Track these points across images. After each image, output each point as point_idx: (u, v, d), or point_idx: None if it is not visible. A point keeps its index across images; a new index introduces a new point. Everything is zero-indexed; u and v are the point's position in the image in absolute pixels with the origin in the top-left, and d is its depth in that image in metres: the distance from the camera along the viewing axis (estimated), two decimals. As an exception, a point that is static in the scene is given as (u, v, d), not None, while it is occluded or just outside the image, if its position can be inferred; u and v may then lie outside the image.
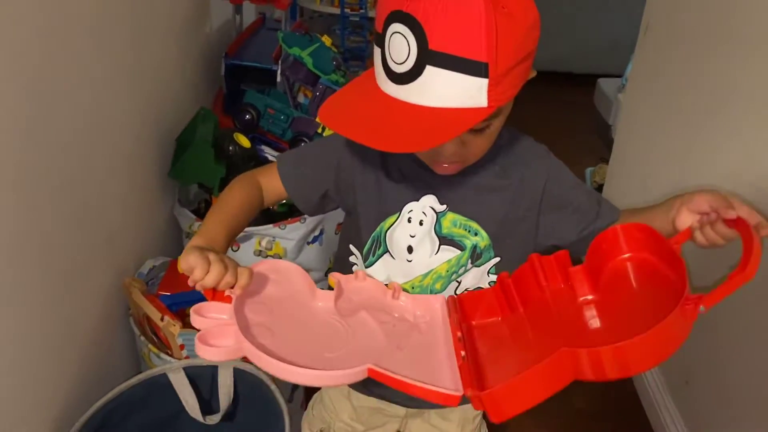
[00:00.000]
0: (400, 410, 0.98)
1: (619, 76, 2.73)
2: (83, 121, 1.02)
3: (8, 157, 0.82)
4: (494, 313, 0.76)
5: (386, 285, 0.79)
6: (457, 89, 0.62)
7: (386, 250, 0.85)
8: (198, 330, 0.63)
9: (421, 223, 0.83)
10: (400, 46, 0.63)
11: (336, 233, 1.46)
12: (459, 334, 0.69)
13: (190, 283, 0.66)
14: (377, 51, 0.67)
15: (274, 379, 1.07)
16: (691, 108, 1.56)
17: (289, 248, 1.38)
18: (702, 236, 0.73)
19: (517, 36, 0.62)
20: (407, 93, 0.64)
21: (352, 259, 0.89)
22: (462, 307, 0.76)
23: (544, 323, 0.71)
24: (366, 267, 0.87)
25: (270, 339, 0.65)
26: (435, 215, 0.83)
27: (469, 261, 0.85)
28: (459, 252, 0.84)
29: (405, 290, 0.82)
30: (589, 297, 0.72)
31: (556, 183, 0.84)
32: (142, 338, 1.17)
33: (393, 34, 0.63)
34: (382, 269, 0.86)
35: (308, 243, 1.41)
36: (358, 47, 2.84)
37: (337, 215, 1.50)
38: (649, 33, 1.81)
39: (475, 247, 0.84)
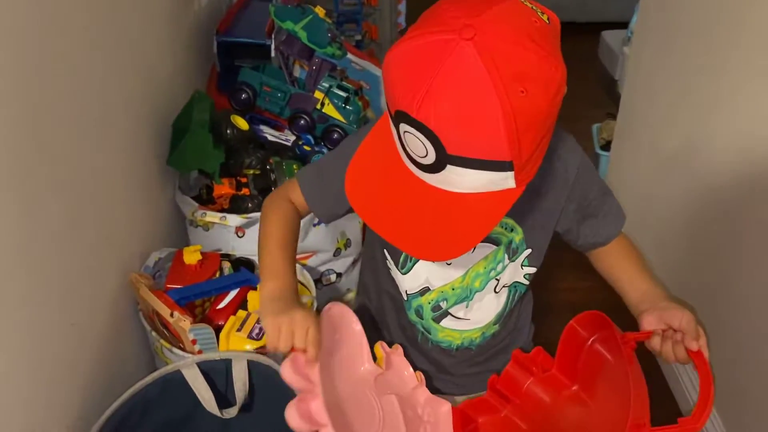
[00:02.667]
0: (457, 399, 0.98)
1: (624, 23, 2.64)
2: (75, 114, 0.99)
3: (4, 159, 0.79)
4: (495, 411, 0.86)
5: (414, 371, 0.83)
6: (482, 182, 0.60)
7: None
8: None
9: None
10: (416, 144, 0.59)
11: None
12: None
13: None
14: (393, 130, 0.63)
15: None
16: (700, 60, 1.50)
17: (295, 231, 1.36)
18: (658, 344, 0.74)
19: (539, 118, 0.58)
20: (434, 180, 0.62)
21: (388, 263, 0.88)
22: (466, 413, 0.84)
23: (539, 410, 0.84)
24: (403, 273, 0.86)
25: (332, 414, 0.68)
26: None
27: (506, 256, 0.84)
28: (495, 248, 0.83)
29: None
30: (573, 388, 0.83)
31: (583, 179, 0.83)
32: (154, 333, 1.15)
33: (405, 132, 0.60)
34: (422, 273, 0.85)
35: (314, 225, 1.39)
36: (352, 10, 2.76)
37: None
38: (655, -17, 1.74)
39: (510, 242, 0.83)
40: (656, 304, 0.77)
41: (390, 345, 0.83)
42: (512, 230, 0.83)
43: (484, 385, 0.93)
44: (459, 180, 0.60)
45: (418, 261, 0.85)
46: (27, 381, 0.86)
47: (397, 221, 0.64)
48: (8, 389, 0.82)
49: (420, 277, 0.86)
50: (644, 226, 1.83)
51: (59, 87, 0.94)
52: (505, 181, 0.61)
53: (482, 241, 0.82)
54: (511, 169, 0.59)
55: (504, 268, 0.85)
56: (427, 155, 0.59)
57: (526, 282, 0.89)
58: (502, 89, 0.54)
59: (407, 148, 0.62)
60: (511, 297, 0.90)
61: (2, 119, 0.79)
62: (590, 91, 2.85)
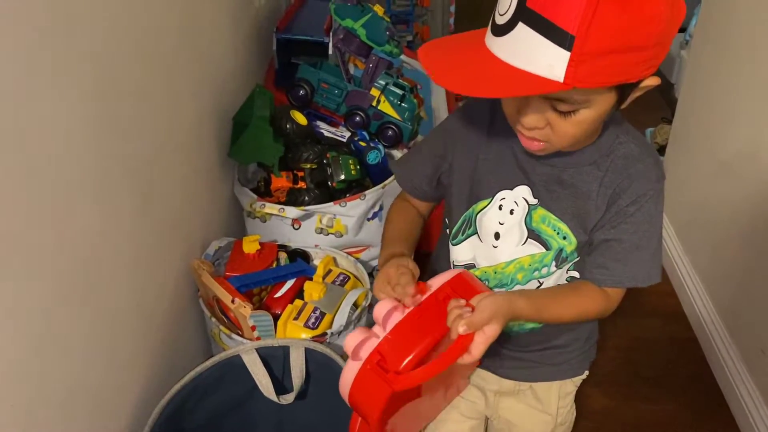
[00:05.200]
0: (492, 382, 0.98)
1: (681, 28, 2.60)
2: (145, 107, 1.02)
3: (85, 151, 0.83)
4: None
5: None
6: (539, 54, 0.60)
7: (475, 232, 0.86)
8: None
9: (511, 212, 0.82)
10: None
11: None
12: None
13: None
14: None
15: (345, 358, 1.08)
16: (763, 65, 1.47)
17: (350, 225, 1.38)
18: (450, 306, 0.73)
19: (621, 21, 0.58)
20: (499, 47, 0.63)
21: (447, 231, 0.91)
22: None
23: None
24: (453, 245, 0.89)
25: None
26: (527, 207, 0.82)
27: (554, 263, 0.83)
28: (544, 251, 0.83)
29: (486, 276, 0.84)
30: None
31: (635, 210, 0.79)
32: (213, 319, 1.19)
33: None
34: (468, 250, 0.88)
35: (368, 219, 1.41)
36: (404, 11, 2.78)
37: (395, 190, 1.49)
38: (718, -15, 1.71)
39: (561, 250, 0.82)
40: (502, 293, 0.78)
41: None
42: (565, 238, 0.82)
43: (515, 373, 0.96)
44: (521, 46, 0.61)
45: (468, 238, 0.87)
46: (94, 363, 0.90)
47: (444, 70, 0.66)
48: (82, 370, 0.86)
49: (467, 253, 0.88)
50: (698, 231, 1.80)
51: (132, 81, 0.98)
52: (560, 63, 0.59)
53: (533, 240, 0.82)
54: (569, 49, 0.58)
55: (549, 273, 0.84)
56: (507, 10, 0.62)
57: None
58: None
59: (497, 7, 0.64)
60: None
61: (85, 111, 0.83)
62: (645, 94, 2.80)
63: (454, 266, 0.90)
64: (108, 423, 0.94)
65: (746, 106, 1.55)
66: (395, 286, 0.76)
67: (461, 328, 0.69)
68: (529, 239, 0.83)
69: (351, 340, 0.74)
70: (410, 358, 0.71)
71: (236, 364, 1.08)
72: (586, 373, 1.01)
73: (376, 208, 1.42)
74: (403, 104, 1.57)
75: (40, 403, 0.76)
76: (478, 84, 0.63)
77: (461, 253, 0.89)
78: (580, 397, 1.05)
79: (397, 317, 0.74)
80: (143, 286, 1.04)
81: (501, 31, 0.62)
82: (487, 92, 0.64)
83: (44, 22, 0.73)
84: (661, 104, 2.66)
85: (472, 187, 0.85)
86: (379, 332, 0.74)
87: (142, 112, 1.01)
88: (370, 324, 1.02)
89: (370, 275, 1.43)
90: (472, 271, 0.88)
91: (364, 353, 0.73)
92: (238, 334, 1.15)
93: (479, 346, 0.70)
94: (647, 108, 2.61)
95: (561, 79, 0.60)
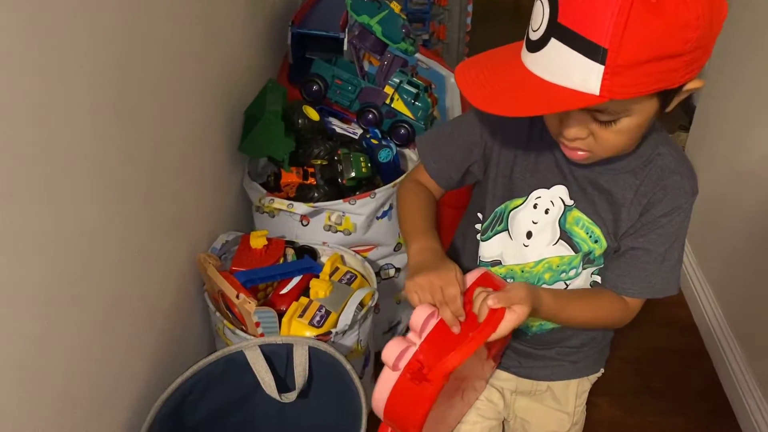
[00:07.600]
0: (509, 381, 0.98)
1: (700, 35, 2.57)
2: (155, 98, 1.01)
3: (91, 139, 0.82)
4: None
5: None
6: (573, 69, 0.59)
7: (506, 229, 0.85)
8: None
9: (546, 212, 0.82)
10: (538, 13, 0.62)
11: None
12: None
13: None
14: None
15: (349, 356, 1.07)
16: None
17: (358, 223, 1.37)
18: (476, 294, 0.73)
19: (654, 30, 0.57)
20: (533, 62, 0.63)
21: (477, 226, 0.90)
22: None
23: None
24: (482, 240, 0.88)
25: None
26: (563, 207, 0.81)
27: (581, 264, 0.83)
28: (573, 253, 0.83)
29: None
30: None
31: (665, 222, 0.79)
32: (217, 314, 1.18)
33: (537, 1, 0.63)
34: (497, 246, 0.87)
35: (377, 218, 1.39)
36: (421, 9, 2.76)
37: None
38: (741, -9, 1.68)
39: (590, 252, 0.82)
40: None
41: None
42: (596, 242, 0.82)
43: (534, 372, 0.96)
44: (555, 62, 0.60)
45: (496, 234, 0.87)
46: (98, 355, 0.89)
47: (483, 89, 0.65)
48: (83, 361, 0.85)
49: (494, 250, 0.87)
50: (712, 241, 1.77)
51: (143, 72, 0.96)
52: (594, 77, 0.59)
53: (564, 241, 0.82)
54: (602, 62, 0.58)
55: (577, 275, 0.85)
56: (540, 26, 0.61)
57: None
58: None
59: (530, 24, 0.64)
60: None
61: (94, 101, 0.82)
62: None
63: (480, 262, 0.90)
64: (109, 414, 0.93)
65: (764, 115, 1.52)
66: (445, 305, 0.73)
67: (491, 301, 0.69)
68: (560, 240, 0.83)
69: (390, 352, 0.73)
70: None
71: (239, 360, 1.07)
72: (602, 370, 1.01)
73: (386, 207, 1.40)
74: (416, 103, 1.55)
75: (39, 393, 0.75)
76: (513, 103, 0.63)
77: (489, 249, 0.88)
78: (587, 407, 1.04)
79: (432, 323, 0.74)
80: (148, 278, 1.03)
81: (535, 46, 0.62)
82: (522, 111, 0.64)
83: (52, 12, 0.72)
84: (678, 112, 2.62)
85: (507, 184, 0.84)
86: (416, 340, 0.73)
87: (152, 104, 1.00)
88: (376, 325, 1.01)
89: (378, 274, 1.41)
90: (497, 268, 0.88)
91: (403, 363, 0.72)
92: (242, 330, 1.14)
93: (508, 323, 0.70)
94: (664, 115, 2.58)
95: (596, 92, 0.60)
